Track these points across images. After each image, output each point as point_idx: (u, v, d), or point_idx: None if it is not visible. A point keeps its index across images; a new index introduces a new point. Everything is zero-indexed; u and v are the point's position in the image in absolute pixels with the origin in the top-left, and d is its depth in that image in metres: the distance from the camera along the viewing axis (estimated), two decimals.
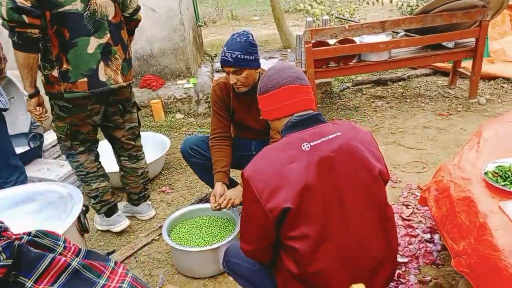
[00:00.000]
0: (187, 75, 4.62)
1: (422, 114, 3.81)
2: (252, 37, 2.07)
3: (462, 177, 1.77)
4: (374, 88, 4.57)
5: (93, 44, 2.11)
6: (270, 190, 1.28)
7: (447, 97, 4.10)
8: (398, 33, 3.98)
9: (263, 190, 1.28)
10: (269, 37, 8.75)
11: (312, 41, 3.54)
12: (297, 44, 3.98)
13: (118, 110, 2.36)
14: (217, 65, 5.76)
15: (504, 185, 1.60)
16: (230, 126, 2.37)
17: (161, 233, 2.47)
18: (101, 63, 2.14)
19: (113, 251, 2.40)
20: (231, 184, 2.33)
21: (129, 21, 2.32)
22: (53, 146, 3.44)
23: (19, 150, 3.05)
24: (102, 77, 2.15)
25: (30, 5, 1.87)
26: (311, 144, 1.32)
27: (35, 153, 3.09)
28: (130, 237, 2.54)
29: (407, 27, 3.62)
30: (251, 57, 2.02)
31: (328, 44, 3.68)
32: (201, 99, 4.41)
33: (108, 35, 2.15)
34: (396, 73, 4.72)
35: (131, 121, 2.46)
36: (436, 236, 2.16)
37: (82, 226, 1.81)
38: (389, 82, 4.60)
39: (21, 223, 1.64)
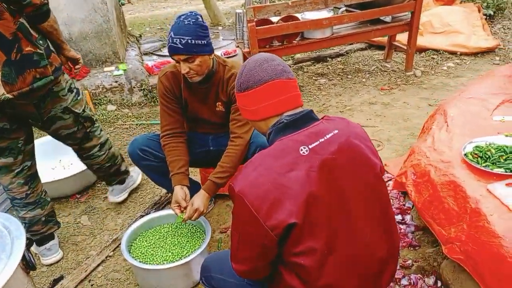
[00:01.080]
0: (115, 60, 4.14)
1: (365, 90, 3.84)
2: (202, 18, 1.82)
3: (441, 159, 1.75)
4: (315, 65, 4.52)
5: None
6: (269, 205, 1.10)
7: (385, 71, 4.19)
8: (339, 9, 3.93)
9: (261, 206, 1.10)
10: None
11: (255, 19, 3.33)
12: (237, 23, 3.74)
13: (35, 123, 1.98)
14: (145, 47, 5.29)
15: (486, 165, 1.60)
16: (182, 120, 2.11)
17: (116, 248, 2.21)
18: None
19: (61, 277, 2.06)
20: (192, 185, 2.09)
21: (22, 7, 1.71)
22: None
23: None
24: None
25: None
26: (310, 147, 1.16)
27: None
28: (78, 256, 2.21)
29: (349, 2, 3.56)
30: (203, 41, 1.78)
31: (271, 22, 3.50)
32: (134, 87, 4.00)
33: None
34: (333, 49, 4.71)
35: (66, 128, 2.07)
36: (408, 217, 2.16)
37: (27, 264, 1.48)
38: (328, 59, 4.58)
39: None
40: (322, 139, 1.19)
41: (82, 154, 2.25)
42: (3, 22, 1.67)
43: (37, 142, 3.00)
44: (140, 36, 5.97)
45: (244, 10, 3.46)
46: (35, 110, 1.88)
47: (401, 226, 2.13)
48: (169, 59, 4.71)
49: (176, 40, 1.74)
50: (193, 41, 1.74)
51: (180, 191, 1.95)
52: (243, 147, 1.95)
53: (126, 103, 3.95)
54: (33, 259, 1.51)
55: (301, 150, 1.15)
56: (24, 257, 1.44)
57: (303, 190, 1.11)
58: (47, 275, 2.11)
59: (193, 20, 1.78)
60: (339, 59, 4.59)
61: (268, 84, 1.22)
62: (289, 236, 1.13)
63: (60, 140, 2.16)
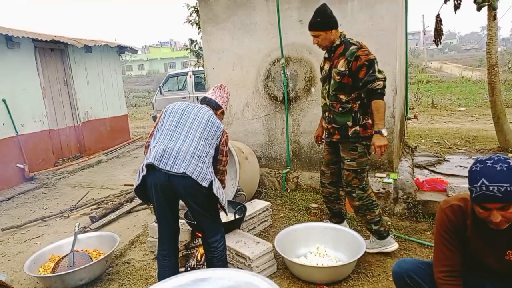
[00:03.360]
0: (387, 168, 4.36)
1: None
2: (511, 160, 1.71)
3: None
4: None
5: None
6: None
7: None
8: None
9: None
10: (478, 132, 7.81)
11: None
12: None
13: (347, 160, 3.18)
14: (418, 159, 5.32)
15: None
16: (461, 259, 1.95)
17: None
18: None
19: None
20: None
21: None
22: (251, 218, 3.61)
23: (224, 218, 3.28)
24: None
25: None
26: None
27: (236, 224, 3.27)
28: None
29: None
30: None
31: None
32: (400, 198, 4.04)
33: None
34: None
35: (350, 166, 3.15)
36: None
37: None
38: None
39: None
40: None
41: (346, 189, 3.19)
42: None
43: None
44: (416, 147, 6.06)
45: None
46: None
47: None
48: (441, 177, 4.56)
49: (494, 188, 1.68)
50: (510, 188, 1.68)
51: None
52: None
53: (388, 211, 4.02)
54: None
55: None
56: None
57: None
58: None
59: (506, 165, 1.70)
60: None
61: None
62: None
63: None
